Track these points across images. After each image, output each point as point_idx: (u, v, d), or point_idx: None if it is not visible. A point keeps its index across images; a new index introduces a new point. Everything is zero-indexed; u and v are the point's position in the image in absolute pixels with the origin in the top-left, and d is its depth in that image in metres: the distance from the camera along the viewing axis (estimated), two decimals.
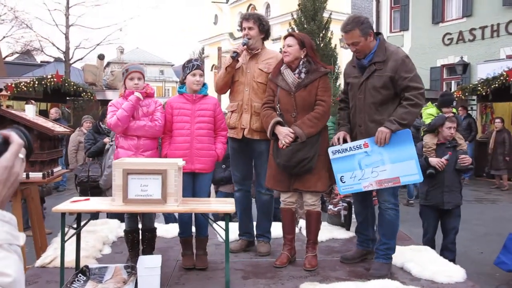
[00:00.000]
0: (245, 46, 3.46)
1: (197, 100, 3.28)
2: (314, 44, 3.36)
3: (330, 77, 14.76)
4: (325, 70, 3.28)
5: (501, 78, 10.08)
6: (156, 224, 3.72)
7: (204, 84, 3.33)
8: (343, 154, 3.15)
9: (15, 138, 0.84)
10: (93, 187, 5.09)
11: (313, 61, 3.26)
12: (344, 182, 3.18)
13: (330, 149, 3.22)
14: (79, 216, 3.01)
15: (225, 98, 4.18)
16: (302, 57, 3.25)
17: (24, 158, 0.87)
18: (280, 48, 3.38)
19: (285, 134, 3.16)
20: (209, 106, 3.31)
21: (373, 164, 3.05)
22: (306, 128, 3.14)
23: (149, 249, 3.42)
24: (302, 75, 3.23)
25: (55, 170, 4.06)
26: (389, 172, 3.01)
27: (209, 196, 3.51)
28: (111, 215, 4.52)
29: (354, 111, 3.22)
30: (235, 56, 3.41)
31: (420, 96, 3.01)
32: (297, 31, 17.54)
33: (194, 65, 3.26)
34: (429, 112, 7.75)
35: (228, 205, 2.97)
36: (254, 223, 3.77)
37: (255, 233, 3.75)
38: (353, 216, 3.95)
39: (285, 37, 3.38)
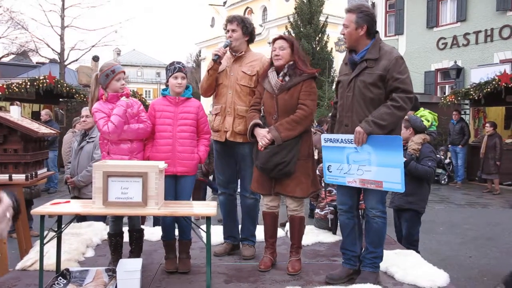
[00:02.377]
0: (227, 48, 3.44)
1: (179, 103, 3.26)
2: (300, 47, 3.31)
3: (325, 80, 14.70)
4: (308, 74, 3.21)
5: (493, 82, 10.14)
6: (142, 227, 3.70)
7: (187, 87, 3.31)
8: (334, 144, 3.09)
9: (5, 199, 0.99)
10: None
11: (297, 65, 3.19)
12: (331, 172, 3.14)
13: (323, 136, 3.18)
14: (59, 219, 2.98)
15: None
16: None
17: (10, 218, 1.01)
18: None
19: (262, 135, 3.13)
20: (192, 109, 3.28)
21: (360, 162, 3.00)
22: (283, 130, 3.10)
23: (138, 250, 3.41)
24: (287, 78, 3.19)
25: (39, 172, 4.03)
26: (373, 174, 2.96)
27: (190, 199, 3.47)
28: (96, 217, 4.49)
29: (342, 110, 3.07)
30: (217, 59, 3.37)
31: (407, 100, 2.86)
32: (293, 35, 17.63)
33: (175, 68, 3.24)
34: None
35: (209, 208, 2.95)
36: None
37: (240, 236, 3.73)
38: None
39: (274, 40, 3.31)
